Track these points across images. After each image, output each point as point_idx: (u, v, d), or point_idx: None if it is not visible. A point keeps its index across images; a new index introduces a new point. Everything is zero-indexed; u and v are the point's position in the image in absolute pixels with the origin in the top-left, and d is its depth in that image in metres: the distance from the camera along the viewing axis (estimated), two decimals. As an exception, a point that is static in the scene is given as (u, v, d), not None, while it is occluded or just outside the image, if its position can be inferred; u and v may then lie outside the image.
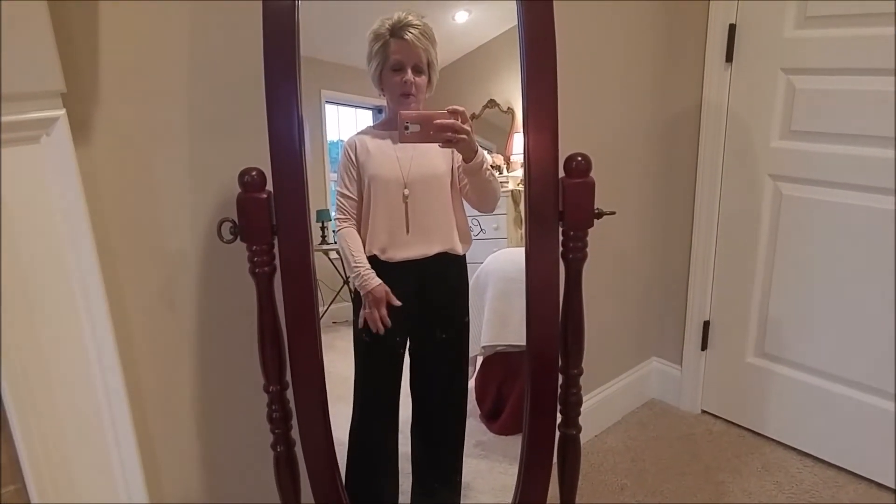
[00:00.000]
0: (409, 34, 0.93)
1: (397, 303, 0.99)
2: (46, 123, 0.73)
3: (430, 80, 0.97)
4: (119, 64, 0.85)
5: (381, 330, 1.00)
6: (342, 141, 1.02)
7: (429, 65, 0.96)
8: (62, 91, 0.74)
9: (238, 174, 0.85)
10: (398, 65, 0.95)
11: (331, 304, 1.05)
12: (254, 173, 0.85)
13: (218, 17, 0.93)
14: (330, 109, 1.01)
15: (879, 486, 1.52)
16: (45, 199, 0.74)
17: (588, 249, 0.95)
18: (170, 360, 1.00)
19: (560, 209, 0.92)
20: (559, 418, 1.03)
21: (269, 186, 0.87)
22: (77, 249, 0.77)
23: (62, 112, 0.74)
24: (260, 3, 0.82)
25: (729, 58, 1.58)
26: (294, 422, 0.96)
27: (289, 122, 0.84)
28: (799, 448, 1.66)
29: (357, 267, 0.99)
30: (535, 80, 0.89)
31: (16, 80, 0.68)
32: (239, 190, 0.85)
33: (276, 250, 0.89)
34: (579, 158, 0.91)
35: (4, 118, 0.68)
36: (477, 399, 1.23)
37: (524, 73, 0.89)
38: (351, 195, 1.00)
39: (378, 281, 0.98)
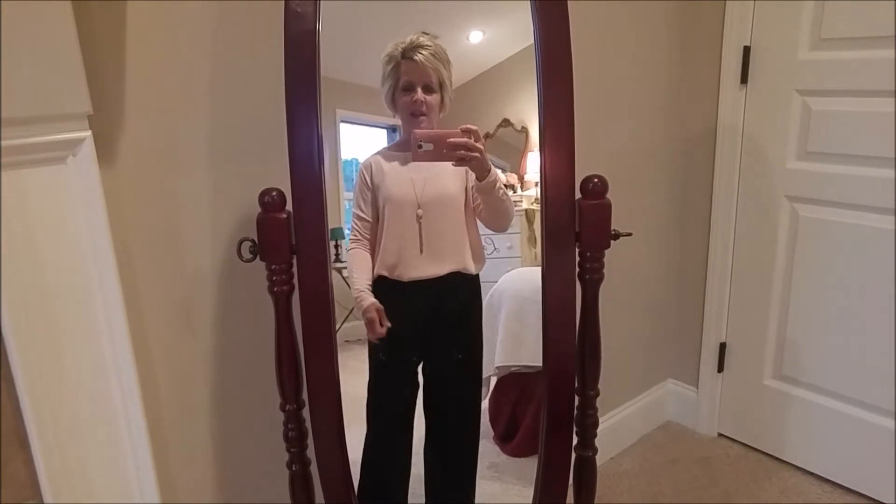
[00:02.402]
0: (419, 55, 0.95)
1: (387, 324, 0.98)
2: (73, 144, 0.74)
3: (442, 100, 0.98)
4: (142, 85, 0.87)
5: (383, 334, 0.99)
6: (356, 159, 1.04)
7: (441, 85, 0.97)
8: (89, 113, 0.75)
9: (258, 194, 0.86)
10: (408, 85, 0.96)
11: (343, 322, 1.05)
12: (274, 193, 0.86)
13: (240, 39, 0.95)
14: (344, 128, 1.03)
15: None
16: (70, 217, 0.75)
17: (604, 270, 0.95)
18: (187, 377, 1.01)
19: (577, 230, 0.92)
20: (575, 440, 1.02)
21: (289, 206, 0.88)
22: (99, 266, 0.78)
23: (88, 133, 0.75)
24: (281, 26, 0.84)
25: (744, 79, 1.58)
26: (310, 440, 0.96)
27: (309, 144, 0.85)
28: (819, 473, 1.62)
29: (355, 287, 0.99)
30: (552, 101, 0.89)
31: (45, 103, 0.70)
32: (259, 210, 0.86)
33: (294, 269, 0.90)
34: (596, 180, 0.91)
35: (33, 139, 0.70)
36: (490, 420, 1.21)
37: (541, 96, 0.90)
38: (365, 217, 1.00)
39: (371, 300, 0.98)
